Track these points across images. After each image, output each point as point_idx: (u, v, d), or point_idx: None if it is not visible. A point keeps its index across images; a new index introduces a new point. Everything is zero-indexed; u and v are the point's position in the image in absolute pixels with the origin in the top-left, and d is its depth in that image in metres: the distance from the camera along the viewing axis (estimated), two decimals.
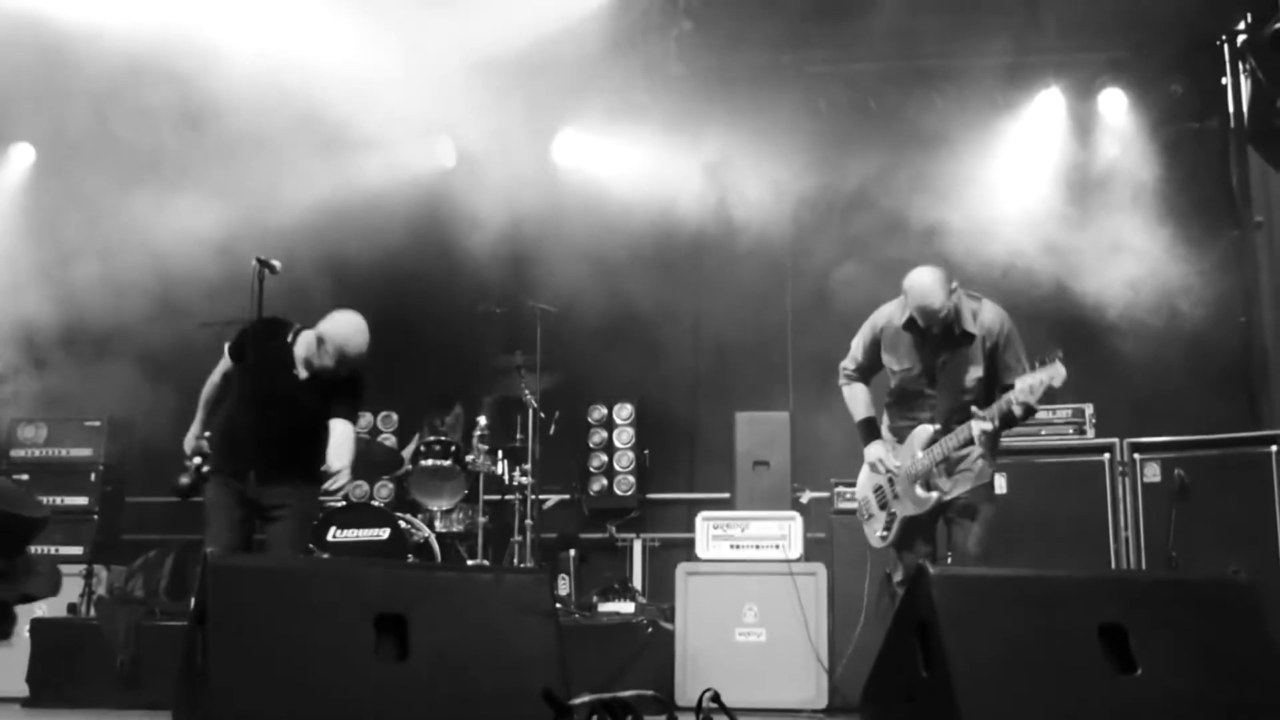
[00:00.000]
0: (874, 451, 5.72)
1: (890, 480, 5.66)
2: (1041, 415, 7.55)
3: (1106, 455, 7.32)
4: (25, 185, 9.90)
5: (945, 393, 5.52)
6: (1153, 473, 7.20)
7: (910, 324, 5.58)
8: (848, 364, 5.88)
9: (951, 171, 8.60)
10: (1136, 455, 7.27)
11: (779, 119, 8.86)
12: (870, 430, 5.78)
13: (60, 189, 9.64)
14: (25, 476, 8.67)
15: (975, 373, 5.47)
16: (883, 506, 5.72)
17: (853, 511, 7.11)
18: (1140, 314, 8.43)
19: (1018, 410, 5.22)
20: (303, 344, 6.01)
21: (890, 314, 5.71)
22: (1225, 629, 3.27)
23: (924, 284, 5.47)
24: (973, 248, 7.91)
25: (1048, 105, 8.93)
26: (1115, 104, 8.85)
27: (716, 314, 9.40)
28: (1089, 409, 7.61)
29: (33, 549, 7.99)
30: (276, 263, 6.28)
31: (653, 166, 9.09)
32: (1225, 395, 8.26)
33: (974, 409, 5.34)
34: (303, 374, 6.00)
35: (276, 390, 5.98)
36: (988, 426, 5.24)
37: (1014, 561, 6.00)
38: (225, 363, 6.32)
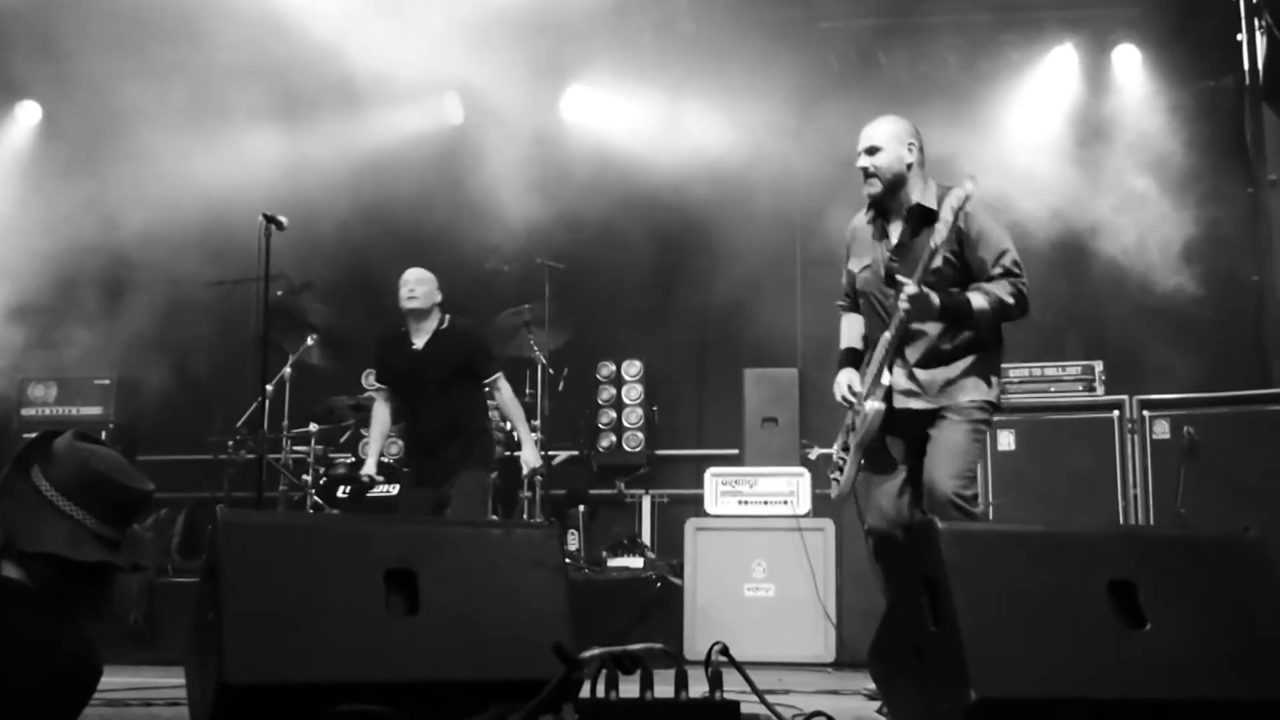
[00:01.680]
0: (837, 381, 4.83)
1: (854, 415, 4.76)
2: (1051, 371, 7.56)
3: (1116, 412, 7.32)
4: (31, 143, 9.88)
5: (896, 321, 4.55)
6: (1162, 430, 7.20)
7: (871, 212, 4.77)
8: (841, 298, 5.09)
9: (963, 128, 8.55)
10: (1146, 412, 7.27)
11: (789, 76, 8.81)
12: (844, 362, 4.90)
13: (65, 147, 9.64)
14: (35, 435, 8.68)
15: (937, 262, 4.44)
16: (845, 449, 4.81)
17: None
18: (1152, 271, 8.40)
19: (939, 249, 4.32)
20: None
21: (857, 216, 4.93)
22: (1235, 585, 3.28)
23: (875, 124, 4.69)
24: (984, 205, 7.87)
25: (1061, 62, 8.86)
26: (1129, 60, 8.79)
27: (726, 270, 9.38)
28: (1098, 366, 7.61)
29: None
30: (283, 219, 6.29)
31: (662, 123, 9.05)
32: (1236, 352, 8.24)
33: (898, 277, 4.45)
34: (418, 344, 6.77)
35: (413, 380, 6.78)
36: (910, 288, 4.34)
37: (1023, 517, 6.04)
38: (378, 388, 7.14)
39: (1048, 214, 8.09)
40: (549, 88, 9.36)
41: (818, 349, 8.78)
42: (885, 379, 4.60)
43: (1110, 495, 7.18)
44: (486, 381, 6.86)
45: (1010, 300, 4.49)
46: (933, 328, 4.57)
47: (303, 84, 9.09)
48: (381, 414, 7.05)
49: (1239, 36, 8.74)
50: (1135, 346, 8.17)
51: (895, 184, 4.65)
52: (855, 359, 4.90)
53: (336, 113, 9.38)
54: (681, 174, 9.00)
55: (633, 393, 9.34)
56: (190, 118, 9.49)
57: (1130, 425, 7.28)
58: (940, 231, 4.34)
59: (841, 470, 4.84)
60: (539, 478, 7.45)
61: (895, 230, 4.71)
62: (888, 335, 4.58)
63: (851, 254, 4.93)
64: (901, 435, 4.71)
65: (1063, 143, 8.71)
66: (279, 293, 7.83)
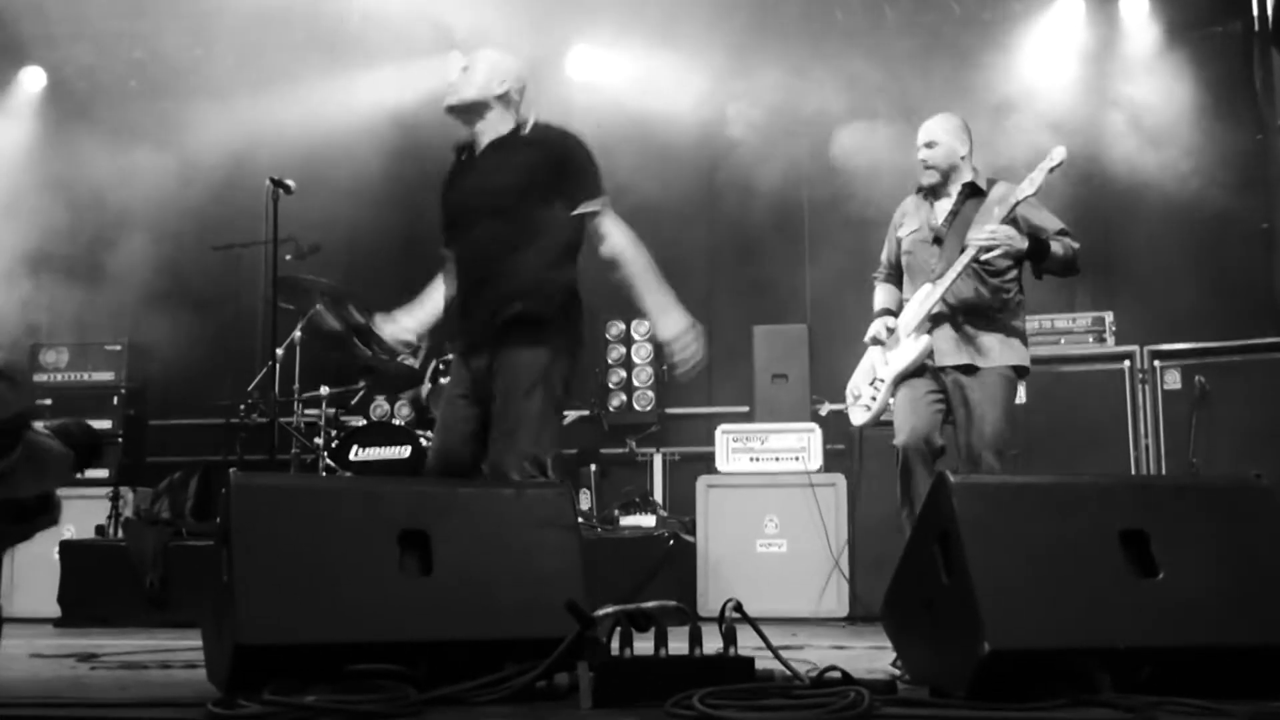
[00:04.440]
0: (874, 325, 5.27)
1: (883, 352, 5.20)
2: (1061, 323, 7.55)
3: (1127, 363, 7.31)
4: (36, 109, 9.85)
5: (951, 248, 5.00)
6: (1173, 379, 7.19)
7: (921, 193, 5.26)
8: (877, 270, 5.49)
9: (969, 79, 8.50)
10: (1157, 362, 7.26)
11: (794, 28, 8.75)
12: (883, 315, 5.32)
13: (71, 112, 9.62)
14: (49, 401, 8.74)
15: (1014, 212, 4.92)
16: (871, 382, 5.24)
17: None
18: (1161, 220, 8.37)
19: (1024, 211, 4.86)
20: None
21: (909, 198, 5.38)
22: (1247, 533, 3.27)
23: (932, 120, 5.21)
24: (989, 159, 7.81)
25: (1067, 10, 8.78)
26: (1136, 8, 8.71)
27: (733, 227, 9.36)
28: (1109, 316, 7.60)
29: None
30: (290, 182, 6.28)
31: (667, 80, 9.00)
32: (1246, 301, 8.20)
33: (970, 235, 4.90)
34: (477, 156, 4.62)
35: (459, 208, 4.68)
36: (989, 238, 4.79)
37: (1035, 469, 6.03)
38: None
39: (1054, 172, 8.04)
40: (553, 46, 9.30)
41: (826, 305, 8.78)
42: (927, 326, 5.01)
43: (1122, 446, 7.19)
44: (580, 211, 4.58)
45: (1075, 247, 5.03)
46: (975, 290, 4.99)
47: (306, 46, 9.06)
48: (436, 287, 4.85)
49: None
50: (1145, 296, 8.14)
51: (949, 172, 5.16)
52: (889, 315, 5.30)
53: (339, 74, 9.34)
54: (688, 131, 8.96)
55: (642, 351, 9.33)
56: (197, 81, 9.48)
57: (1141, 375, 7.27)
58: (1033, 183, 4.87)
59: (868, 399, 5.26)
60: (681, 357, 4.48)
61: (940, 206, 5.18)
62: (928, 286, 5.02)
63: (899, 225, 5.35)
64: (936, 379, 5.04)
65: (1069, 92, 8.65)
66: (288, 256, 7.83)
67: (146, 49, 9.54)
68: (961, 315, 4.99)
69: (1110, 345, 7.50)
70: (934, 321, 5.00)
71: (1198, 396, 7.02)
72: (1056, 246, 4.96)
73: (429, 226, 6.96)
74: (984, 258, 4.89)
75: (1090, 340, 7.57)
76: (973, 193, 5.11)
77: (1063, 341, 7.55)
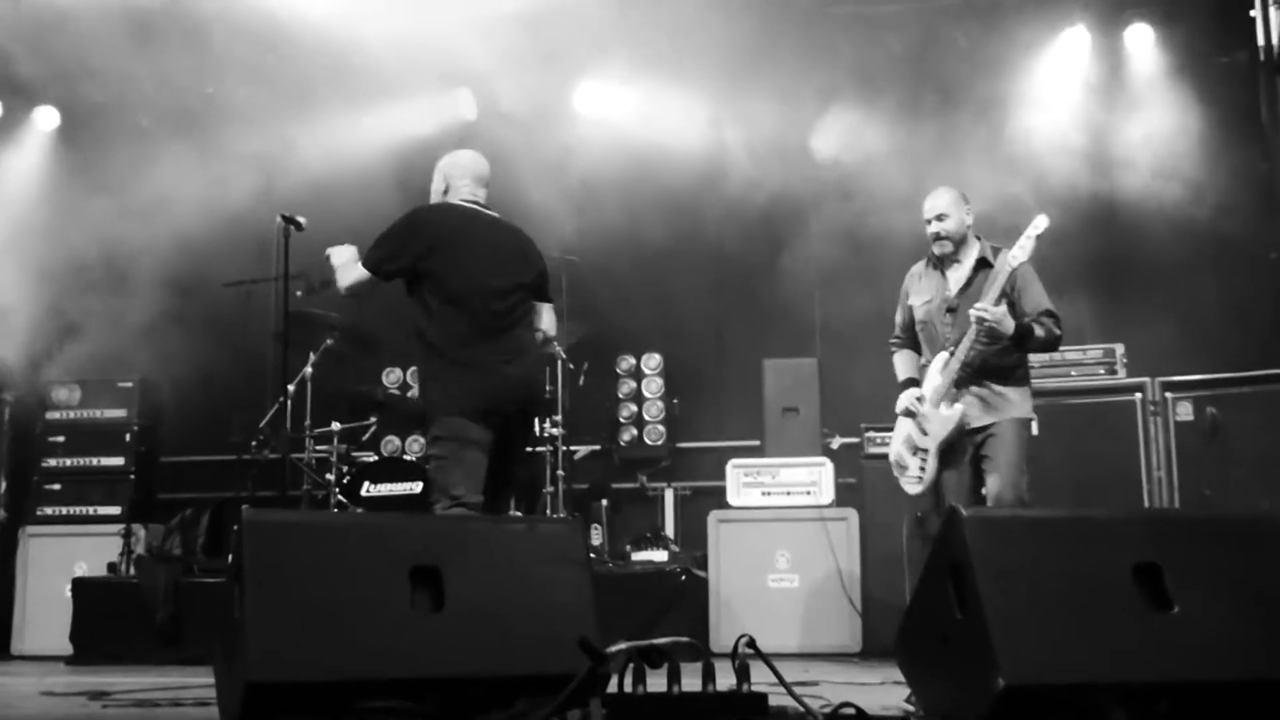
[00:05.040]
0: (902, 398, 5.72)
1: (917, 423, 5.62)
2: (1072, 355, 7.53)
3: (1138, 395, 7.29)
4: (49, 147, 9.91)
5: (963, 318, 5.47)
6: (1185, 411, 7.17)
7: (931, 262, 5.72)
8: (894, 336, 5.93)
9: (975, 111, 8.52)
10: (1168, 394, 7.25)
11: (799, 63, 8.78)
12: (908, 388, 5.77)
13: (84, 151, 9.68)
14: (61, 438, 8.76)
15: (999, 293, 5.41)
16: (914, 452, 5.65)
17: (883, 456, 7.10)
18: (1170, 251, 8.36)
19: (1019, 284, 5.41)
20: None
21: (916, 265, 5.86)
22: (1262, 566, 3.26)
23: (933, 193, 5.67)
24: (997, 190, 7.84)
25: (1073, 42, 8.80)
26: (1141, 39, 8.72)
27: (742, 260, 9.36)
28: (1120, 349, 7.58)
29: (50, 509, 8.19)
30: (302, 219, 6.29)
31: (675, 114, 9.03)
32: (1257, 331, 8.18)
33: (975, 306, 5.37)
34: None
35: None
36: (985, 312, 5.27)
37: (1046, 502, 6.03)
38: None
39: (1061, 196, 8.04)
40: (561, 82, 9.34)
41: (836, 338, 8.77)
42: (954, 392, 5.48)
43: (1134, 478, 7.16)
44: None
45: (1055, 333, 5.50)
46: (988, 355, 5.44)
47: (316, 82, 9.11)
48: None
49: (1252, 12, 8.67)
50: (1155, 328, 8.12)
51: (960, 243, 5.63)
52: (914, 386, 5.75)
53: (350, 109, 9.39)
54: (694, 164, 8.98)
55: (653, 385, 9.33)
56: (208, 118, 9.53)
57: (1153, 407, 7.25)
58: (1023, 249, 5.35)
59: (916, 470, 5.63)
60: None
61: (952, 276, 5.65)
62: (945, 355, 5.53)
63: (911, 293, 5.82)
64: (969, 443, 5.52)
65: (1075, 124, 8.65)
66: (299, 292, 7.85)
67: (157, 86, 9.59)
68: (983, 375, 5.47)
69: (1121, 377, 7.48)
70: (959, 386, 5.47)
71: (1210, 428, 7.00)
72: (1039, 330, 5.43)
73: None
74: (979, 332, 5.37)
75: (1101, 372, 7.55)
76: (983, 265, 5.57)
77: (1073, 373, 7.53)
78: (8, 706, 4.32)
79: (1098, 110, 8.73)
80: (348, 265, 5.37)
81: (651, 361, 9.34)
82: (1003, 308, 5.34)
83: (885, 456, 6.03)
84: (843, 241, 8.64)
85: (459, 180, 5.63)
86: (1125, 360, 7.54)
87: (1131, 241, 8.52)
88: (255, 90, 9.46)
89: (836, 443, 8.28)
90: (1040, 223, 5.34)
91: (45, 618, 7.88)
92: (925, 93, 8.75)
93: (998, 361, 5.47)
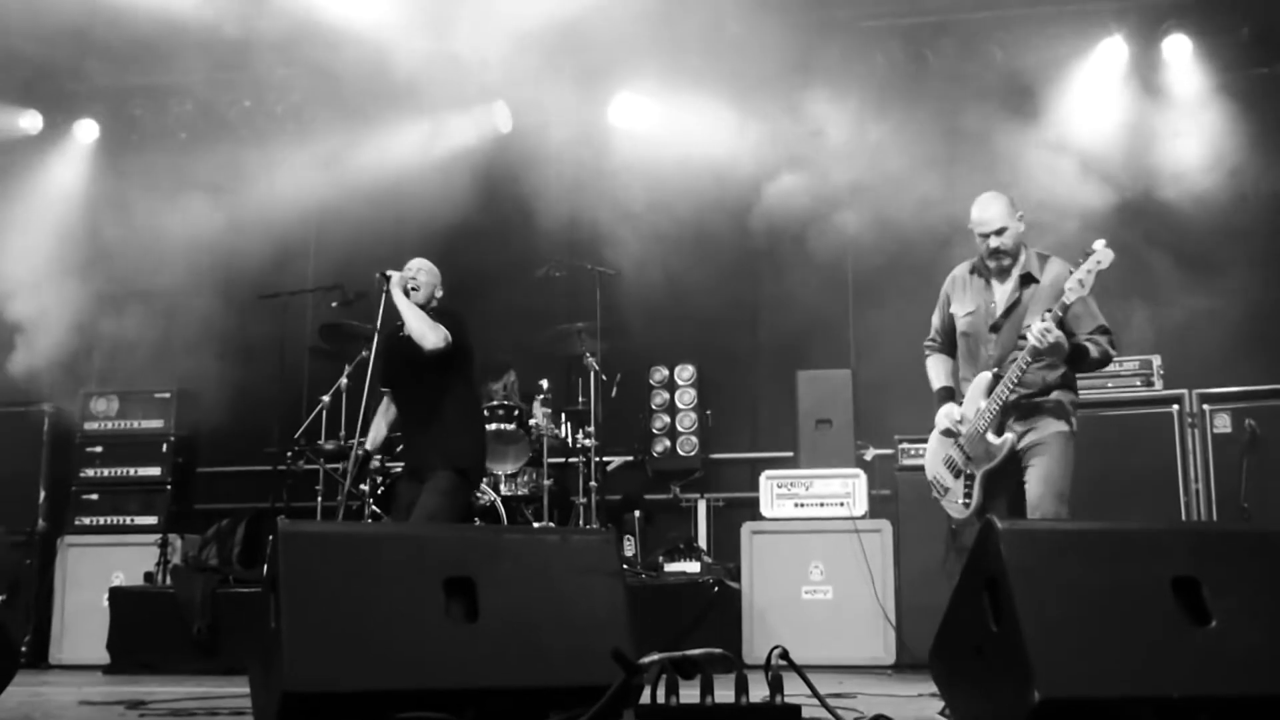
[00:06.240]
0: (940, 415, 5.46)
1: (959, 445, 5.35)
2: (1109, 368, 7.47)
3: (1175, 407, 7.24)
4: (89, 160, 10.01)
5: (1008, 337, 5.25)
6: (1223, 423, 7.11)
7: (975, 269, 5.45)
8: (930, 338, 5.67)
9: (1012, 124, 8.48)
10: (1206, 406, 7.19)
11: (836, 74, 8.77)
12: (945, 399, 5.51)
13: (122, 163, 9.77)
14: (99, 449, 8.84)
15: (1058, 312, 5.07)
16: (957, 475, 5.37)
17: (917, 468, 7.07)
18: (1209, 262, 8.30)
19: (1074, 305, 5.00)
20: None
21: (959, 268, 5.57)
22: None
23: (984, 202, 5.37)
24: (1035, 205, 7.81)
25: (1110, 54, 8.75)
26: (1180, 51, 8.65)
27: (776, 272, 9.35)
28: (1157, 360, 7.53)
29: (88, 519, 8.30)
30: (394, 273, 6.32)
31: (709, 126, 9.03)
32: None
33: (1029, 325, 5.11)
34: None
35: (390, 367, 6.40)
36: (1048, 326, 4.94)
37: (1082, 515, 5.99)
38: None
39: (1100, 208, 8.01)
40: (596, 94, 9.37)
41: (870, 350, 8.75)
42: (999, 423, 5.21)
43: (1172, 491, 7.11)
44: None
45: (1108, 350, 5.28)
46: (1034, 379, 5.20)
47: (353, 96, 9.18)
48: (385, 406, 6.70)
49: None
50: (1194, 340, 8.06)
51: (1015, 254, 5.34)
52: (950, 396, 5.50)
53: (384, 123, 9.45)
54: (729, 176, 8.98)
55: (686, 397, 9.32)
56: (245, 132, 9.62)
57: (1190, 419, 7.19)
58: (1083, 285, 4.97)
59: (961, 496, 5.35)
60: None
61: (997, 286, 5.38)
62: (989, 375, 5.25)
63: (953, 300, 5.53)
64: (1016, 463, 5.27)
65: (1114, 135, 8.60)
66: (334, 304, 7.90)
67: (195, 101, 9.69)
68: (1026, 395, 5.21)
69: (1159, 389, 7.43)
70: (1005, 415, 5.19)
71: (1248, 440, 6.94)
72: (1093, 350, 5.20)
73: (469, 273, 7.03)
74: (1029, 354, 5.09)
75: (1138, 384, 7.49)
76: (1029, 280, 5.30)
77: (1110, 385, 7.48)
78: (47, 715, 4.36)
79: (1135, 121, 8.68)
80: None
81: (685, 373, 9.33)
82: (1058, 333, 5.01)
83: (919, 469, 5.98)
84: (877, 253, 8.63)
85: None
86: (1162, 371, 7.49)
87: (1170, 252, 8.45)
88: (291, 104, 9.55)
89: (870, 454, 8.25)
90: (1105, 256, 4.98)
91: (83, 627, 7.94)
92: (962, 105, 8.72)
93: (1044, 375, 5.22)
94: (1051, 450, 5.18)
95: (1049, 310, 5.02)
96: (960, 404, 5.40)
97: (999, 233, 5.29)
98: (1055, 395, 5.26)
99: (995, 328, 5.31)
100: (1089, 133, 8.55)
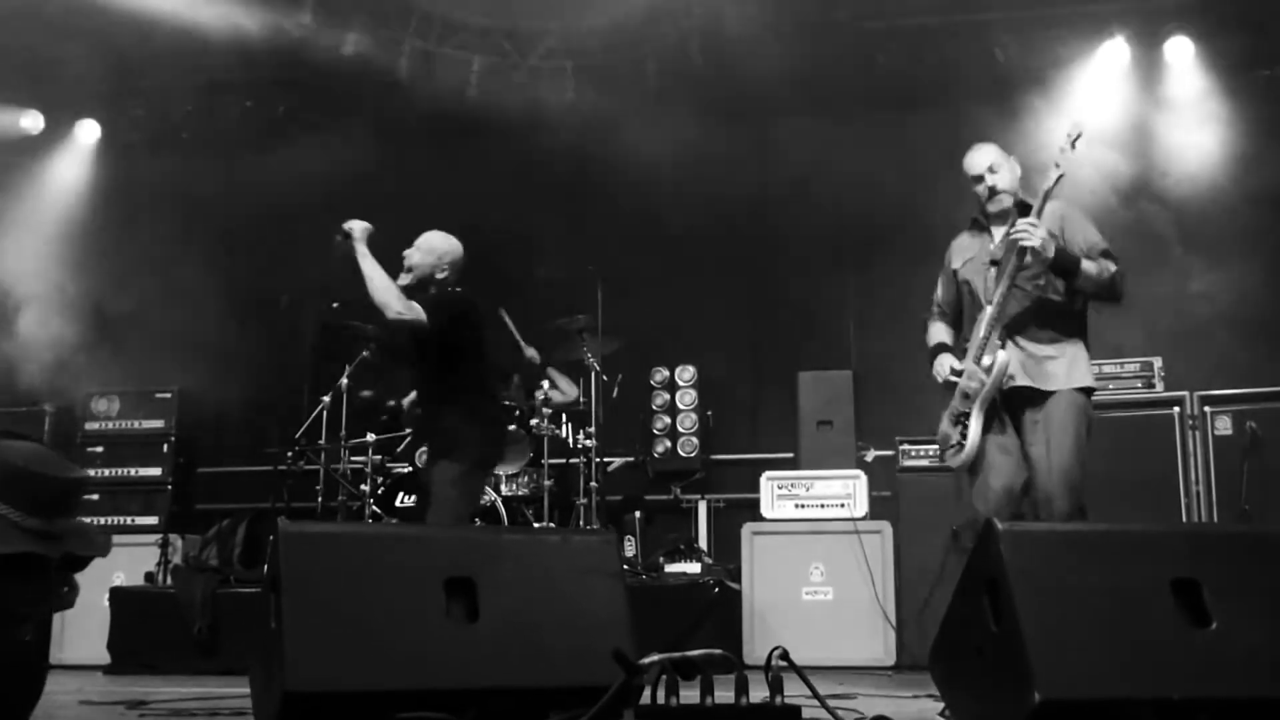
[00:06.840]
0: (937, 366, 5.12)
1: (960, 389, 4.97)
2: (1109, 369, 7.48)
3: (1176, 409, 7.24)
4: (91, 160, 10.02)
5: (1005, 275, 4.91)
6: (1224, 425, 7.11)
7: (974, 223, 5.23)
8: (932, 306, 5.38)
9: (1014, 125, 8.48)
10: (1207, 408, 7.19)
11: (837, 74, 8.78)
12: (941, 350, 5.19)
13: (124, 164, 9.79)
14: (100, 448, 8.84)
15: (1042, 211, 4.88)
16: (956, 422, 4.99)
17: (918, 469, 7.09)
18: (1210, 263, 8.30)
19: (1067, 217, 4.86)
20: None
21: (960, 235, 5.34)
22: None
23: (978, 150, 5.18)
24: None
25: (1112, 55, 8.75)
26: (1182, 52, 8.66)
27: (777, 273, 9.36)
28: (1158, 362, 7.52)
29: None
30: (356, 224, 6.27)
31: (708, 126, 9.04)
32: None
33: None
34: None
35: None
36: (1033, 220, 4.74)
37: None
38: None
39: (1100, 209, 8.00)
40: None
41: (871, 350, 8.76)
42: (997, 344, 4.86)
43: (1173, 492, 7.11)
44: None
45: (1113, 270, 4.90)
46: (1035, 312, 4.91)
47: (348, 88, 9.20)
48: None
49: None
50: (1195, 342, 8.06)
51: (1015, 194, 5.06)
52: (947, 350, 5.17)
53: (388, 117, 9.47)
54: (728, 177, 8.99)
55: (686, 397, 9.32)
56: (246, 132, 9.63)
57: (1191, 421, 7.19)
58: (1058, 165, 4.79)
59: (957, 438, 4.97)
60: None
61: (998, 234, 5.07)
62: (989, 308, 4.90)
63: (954, 259, 5.27)
64: (1008, 410, 4.94)
65: (1116, 136, 8.61)
66: (335, 304, 7.90)
67: (197, 102, 9.70)
68: (1023, 335, 4.92)
69: (1159, 390, 7.43)
70: (1002, 336, 4.88)
71: (1249, 443, 6.94)
72: (1090, 266, 4.87)
73: (469, 274, 7.02)
74: (1023, 242, 4.78)
75: (1139, 385, 7.49)
76: (1024, 209, 4.97)
77: (1111, 387, 7.47)
78: (48, 715, 4.36)
79: (1137, 122, 8.68)
80: None
81: (685, 373, 9.34)
82: (1045, 229, 4.75)
83: (920, 470, 6.01)
84: (879, 254, 8.63)
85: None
86: (1163, 373, 7.49)
87: (1170, 254, 8.46)
88: (290, 101, 9.56)
89: (871, 455, 8.25)
90: (1073, 128, 4.81)
91: (83, 627, 7.92)
92: (963, 106, 8.72)
93: (1049, 319, 4.91)
94: (1060, 410, 4.85)
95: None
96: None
97: (992, 170, 5.11)
98: (1067, 343, 4.95)
99: (994, 262, 5.00)
100: (1090, 134, 8.53)
